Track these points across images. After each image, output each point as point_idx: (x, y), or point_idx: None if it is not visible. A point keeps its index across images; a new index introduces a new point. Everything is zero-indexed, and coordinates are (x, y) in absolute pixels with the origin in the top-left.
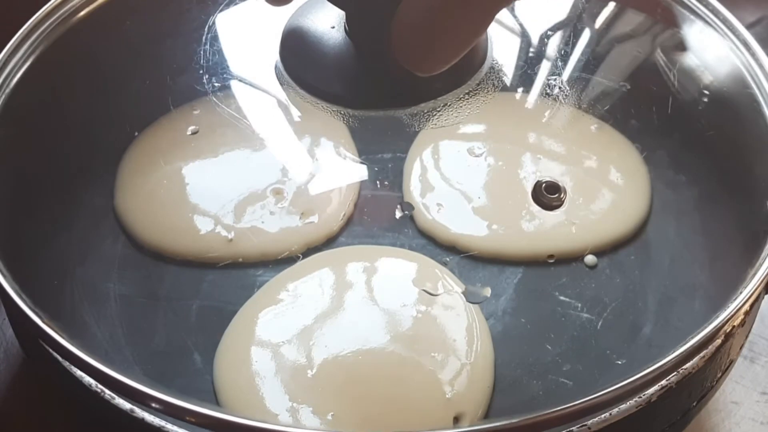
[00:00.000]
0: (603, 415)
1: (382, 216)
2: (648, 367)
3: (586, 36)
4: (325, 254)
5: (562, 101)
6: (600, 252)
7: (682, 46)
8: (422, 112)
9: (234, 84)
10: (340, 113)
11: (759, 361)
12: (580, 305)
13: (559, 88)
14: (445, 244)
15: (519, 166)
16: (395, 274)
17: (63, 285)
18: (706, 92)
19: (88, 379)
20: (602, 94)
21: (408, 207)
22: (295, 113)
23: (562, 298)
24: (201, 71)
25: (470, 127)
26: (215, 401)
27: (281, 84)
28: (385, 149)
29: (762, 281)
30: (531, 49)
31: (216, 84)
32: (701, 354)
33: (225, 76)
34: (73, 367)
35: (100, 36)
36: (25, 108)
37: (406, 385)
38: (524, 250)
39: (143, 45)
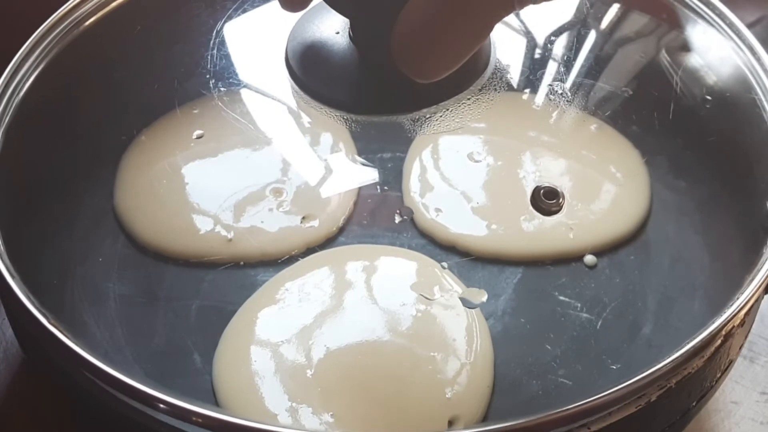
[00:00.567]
0: (602, 415)
1: (381, 216)
2: (647, 369)
3: (587, 38)
4: (324, 254)
5: (564, 104)
6: (600, 252)
7: (684, 48)
8: (424, 117)
9: (235, 86)
10: (343, 118)
11: (759, 361)
12: (579, 305)
13: (561, 91)
14: (445, 244)
15: (519, 165)
16: (395, 274)
17: (63, 285)
18: (708, 94)
19: (87, 379)
20: (604, 98)
21: (407, 212)
22: (296, 114)
23: (561, 298)
24: (204, 73)
25: (470, 127)
26: (214, 401)
27: (290, 88)
28: (384, 149)
29: (762, 282)
30: (531, 52)
31: (219, 86)
32: (701, 354)
33: (228, 78)
34: (73, 367)
35: (104, 41)
36: (33, 111)
37: (406, 384)
38: (524, 250)
39: (146, 49)
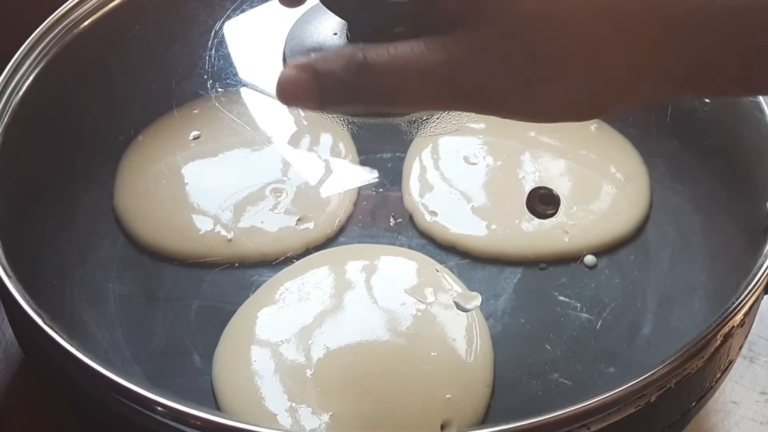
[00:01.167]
0: (602, 416)
1: (381, 216)
2: (647, 370)
3: None
4: (323, 253)
5: None
6: (600, 252)
7: None
8: (420, 119)
9: (234, 87)
10: (340, 119)
11: (758, 361)
12: (579, 305)
13: None
14: (445, 244)
15: (518, 166)
16: (394, 273)
17: (63, 285)
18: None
19: (86, 380)
20: None
21: (403, 215)
22: (296, 114)
23: (561, 298)
24: (202, 74)
25: (470, 128)
26: (214, 401)
27: None
28: (384, 149)
29: (761, 282)
30: None
31: (217, 87)
32: (700, 355)
33: (226, 79)
34: (70, 367)
35: (103, 41)
36: (32, 112)
37: (406, 384)
38: (524, 251)
39: (145, 49)
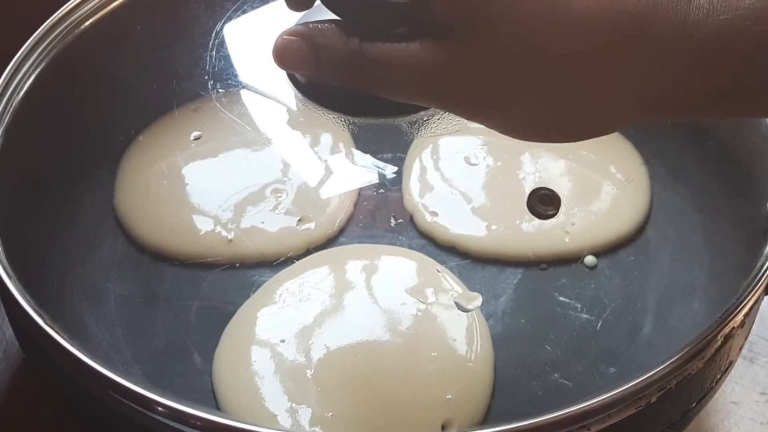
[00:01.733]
0: (602, 417)
1: (381, 216)
2: (648, 371)
3: None
4: (323, 253)
5: None
6: (600, 253)
7: None
8: (421, 120)
9: (235, 87)
10: (341, 120)
11: (758, 362)
12: (579, 306)
13: None
14: (445, 245)
15: (519, 166)
16: (395, 274)
17: (63, 285)
18: None
19: (85, 380)
20: None
21: (402, 215)
22: (296, 115)
23: (561, 298)
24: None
25: (470, 128)
26: (214, 401)
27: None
28: (385, 149)
29: (761, 282)
30: None
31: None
32: (701, 356)
33: (227, 79)
34: (70, 367)
35: (104, 42)
36: (33, 112)
37: (406, 384)
38: (524, 251)
39: (145, 49)
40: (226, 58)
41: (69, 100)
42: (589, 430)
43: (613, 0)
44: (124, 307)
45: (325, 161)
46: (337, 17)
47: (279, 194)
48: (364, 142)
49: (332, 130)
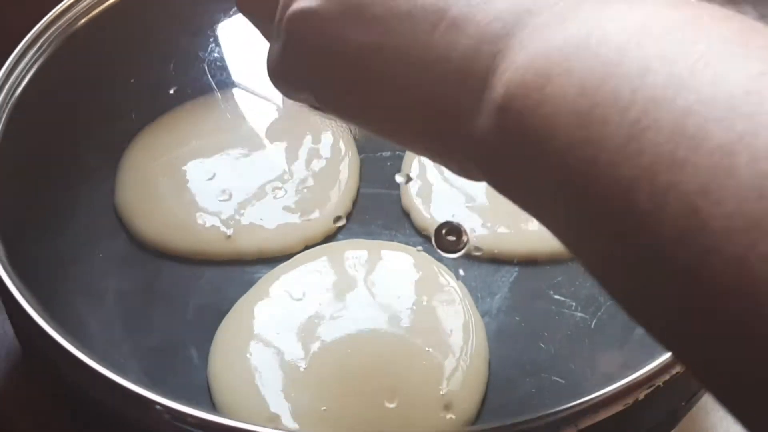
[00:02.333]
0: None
1: (380, 214)
2: (638, 371)
3: None
4: (320, 248)
5: None
6: None
7: None
8: None
9: (235, 85)
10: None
11: None
12: (574, 304)
13: None
14: None
15: None
16: (392, 269)
17: (62, 281)
18: None
19: (83, 378)
20: None
21: (401, 213)
22: (296, 113)
23: (556, 297)
24: (203, 72)
25: None
26: (210, 396)
27: None
28: (384, 147)
29: None
30: None
31: (218, 85)
32: None
33: (227, 77)
34: (68, 365)
35: (101, 39)
36: (31, 110)
37: (400, 380)
38: (520, 249)
39: (145, 47)
40: (227, 56)
41: (67, 97)
42: (577, 427)
43: None
44: (123, 303)
45: (325, 159)
46: None
47: (278, 191)
48: (364, 139)
49: (332, 128)
